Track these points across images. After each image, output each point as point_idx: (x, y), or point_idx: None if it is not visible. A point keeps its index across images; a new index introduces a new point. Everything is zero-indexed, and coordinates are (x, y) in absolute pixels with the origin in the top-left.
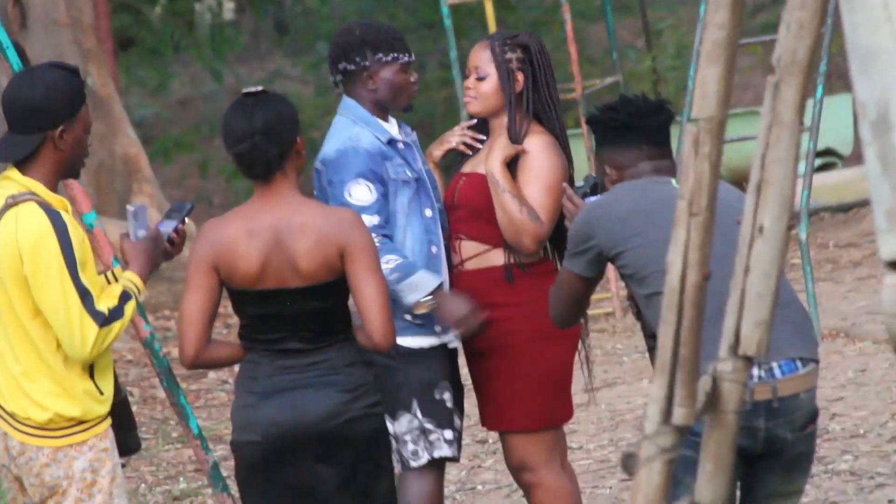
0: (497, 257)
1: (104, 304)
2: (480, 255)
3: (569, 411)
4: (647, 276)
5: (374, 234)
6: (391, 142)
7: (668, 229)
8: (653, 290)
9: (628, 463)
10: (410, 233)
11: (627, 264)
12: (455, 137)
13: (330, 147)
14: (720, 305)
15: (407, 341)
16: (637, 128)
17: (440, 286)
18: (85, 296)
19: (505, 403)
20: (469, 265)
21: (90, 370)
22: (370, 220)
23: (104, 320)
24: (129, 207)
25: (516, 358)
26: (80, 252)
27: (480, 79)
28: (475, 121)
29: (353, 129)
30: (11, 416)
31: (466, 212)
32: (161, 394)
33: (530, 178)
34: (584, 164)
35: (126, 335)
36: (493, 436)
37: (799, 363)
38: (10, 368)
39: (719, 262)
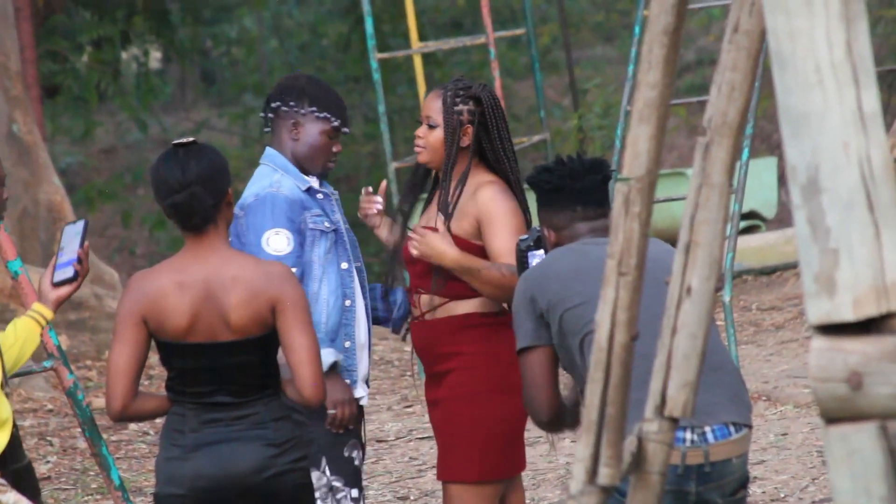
0: (456, 308)
1: None
2: (439, 307)
3: (518, 464)
4: (584, 339)
5: None
6: (310, 190)
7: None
8: (588, 354)
9: None
10: (326, 284)
11: (566, 323)
12: (361, 209)
13: (249, 192)
14: (648, 366)
15: None
16: (571, 189)
17: (335, 364)
18: None
19: (445, 453)
20: (428, 316)
21: None
22: None
23: None
24: (68, 225)
25: (464, 409)
26: None
27: (431, 127)
28: (370, 188)
29: (273, 176)
30: None
31: (423, 267)
32: (81, 444)
33: (494, 228)
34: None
35: (47, 384)
36: (415, 492)
37: (732, 428)
38: None
39: (650, 321)
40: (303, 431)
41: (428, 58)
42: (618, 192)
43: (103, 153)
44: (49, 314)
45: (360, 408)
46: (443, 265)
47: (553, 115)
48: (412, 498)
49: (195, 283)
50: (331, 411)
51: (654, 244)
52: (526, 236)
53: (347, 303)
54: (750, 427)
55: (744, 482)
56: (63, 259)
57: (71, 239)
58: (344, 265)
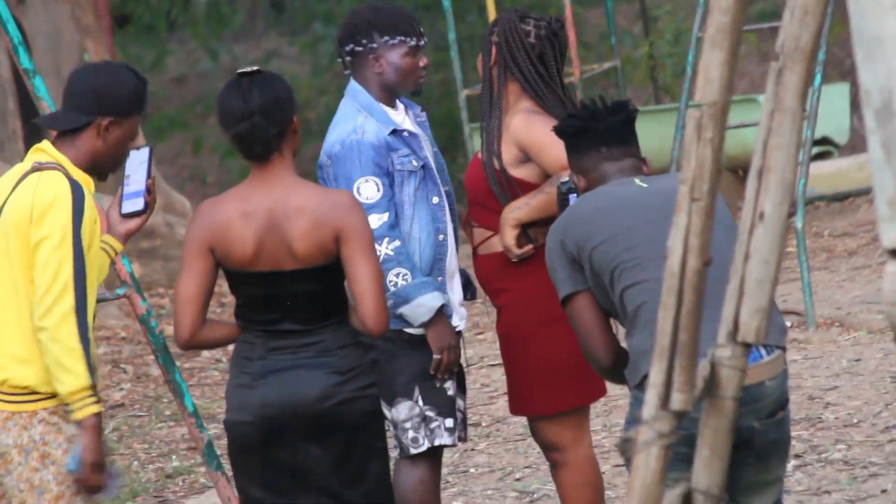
0: (497, 244)
1: (93, 348)
2: (487, 241)
3: (595, 389)
4: (619, 271)
5: (387, 240)
6: (395, 131)
7: (630, 226)
8: (625, 284)
9: (626, 448)
10: (417, 223)
11: (595, 262)
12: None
13: (334, 139)
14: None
15: (410, 329)
16: (594, 131)
17: (441, 307)
18: (80, 287)
19: (522, 390)
20: (480, 250)
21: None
22: (380, 218)
23: (83, 334)
24: (134, 151)
25: (525, 345)
26: (88, 231)
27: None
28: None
29: (357, 119)
30: (57, 362)
31: (470, 198)
32: (155, 371)
33: (541, 145)
34: None
35: (120, 312)
36: (487, 418)
37: (763, 350)
38: None
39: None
40: (384, 362)
41: None
42: (690, 118)
43: (174, 82)
44: (119, 246)
45: (458, 334)
46: (504, 237)
47: (623, 42)
48: (484, 424)
49: (260, 212)
50: (436, 356)
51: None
52: (567, 179)
53: (441, 237)
54: (783, 349)
55: (781, 404)
56: (130, 189)
57: (137, 167)
58: (435, 199)
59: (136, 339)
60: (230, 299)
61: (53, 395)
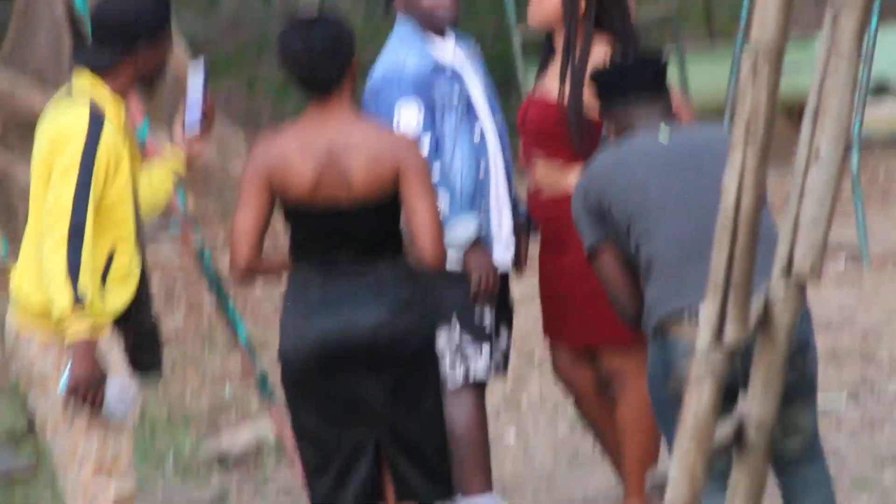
0: (568, 179)
1: (87, 274)
2: (553, 178)
3: None
4: (633, 222)
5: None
6: (438, 65)
7: (645, 178)
8: (638, 235)
9: (678, 384)
10: (458, 157)
11: (614, 214)
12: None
13: (380, 69)
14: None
15: (452, 263)
16: (624, 81)
17: (477, 233)
18: (78, 215)
19: (593, 318)
20: (544, 189)
21: (103, 278)
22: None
23: (72, 262)
24: (192, 62)
25: (591, 279)
26: (106, 164)
27: None
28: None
29: (399, 53)
30: (16, 298)
31: (534, 134)
32: (208, 303)
33: None
34: None
35: (175, 245)
36: (540, 350)
37: None
38: (35, 251)
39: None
40: (426, 292)
41: None
42: (745, 60)
43: (228, 24)
44: (181, 169)
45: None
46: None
47: None
48: (536, 356)
49: (318, 147)
50: (474, 280)
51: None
52: None
53: (482, 172)
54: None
55: (801, 346)
56: (190, 111)
57: (195, 84)
58: (476, 134)
59: (189, 272)
60: (283, 237)
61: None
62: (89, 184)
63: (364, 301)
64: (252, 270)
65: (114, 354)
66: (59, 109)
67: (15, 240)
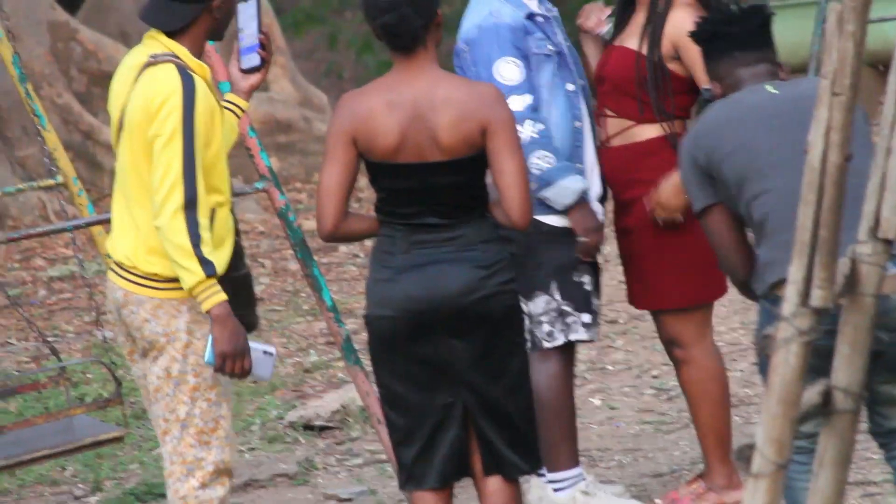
0: (641, 133)
1: (208, 243)
2: (625, 132)
3: (721, 287)
4: (745, 181)
5: (530, 122)
6: (530, 16)
7: (755, 134)
8: (751, 194)
9: (764, 346)
10: (555, 108)
11: (724, 173)
12: (584, 18)
13: (470, 24)
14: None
15: (550, 219)
16: (728, 35)
17: (583, 191)
18: (189, 184)
19: (654, 281)
20: (614, 142)
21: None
22: (522, 99)
23: (192, 230)
24: (241, 3)
25: (663, 235)
26: (204, 123)
27: None
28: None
29: (492, 4)
30: (119, 264)
31: (611, 86)
32: (292, 266)
33: (691, 50)
34: None
35: (258, 206)
36: (624, 315)
37: (890, 264)
38: (131, 218)
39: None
40: (526, 252)
41: None
42: (831, 11)
43: None
44: (244, 104)
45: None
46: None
47: None
48: (621, 322)
49: (404, 103)
50: (581, 239)
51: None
52: (708, 87)
53: (577, 124)
54: None
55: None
56: (245, 44)
57: (247, 21)
58: (570, 87)
59: (274, 234)
60: (367, 194)
61: (151, 276)
62: (194, 149)
63: (450, 263)
64: (339, 231)
65: None
66: (144, 74)
67: (100, 199)
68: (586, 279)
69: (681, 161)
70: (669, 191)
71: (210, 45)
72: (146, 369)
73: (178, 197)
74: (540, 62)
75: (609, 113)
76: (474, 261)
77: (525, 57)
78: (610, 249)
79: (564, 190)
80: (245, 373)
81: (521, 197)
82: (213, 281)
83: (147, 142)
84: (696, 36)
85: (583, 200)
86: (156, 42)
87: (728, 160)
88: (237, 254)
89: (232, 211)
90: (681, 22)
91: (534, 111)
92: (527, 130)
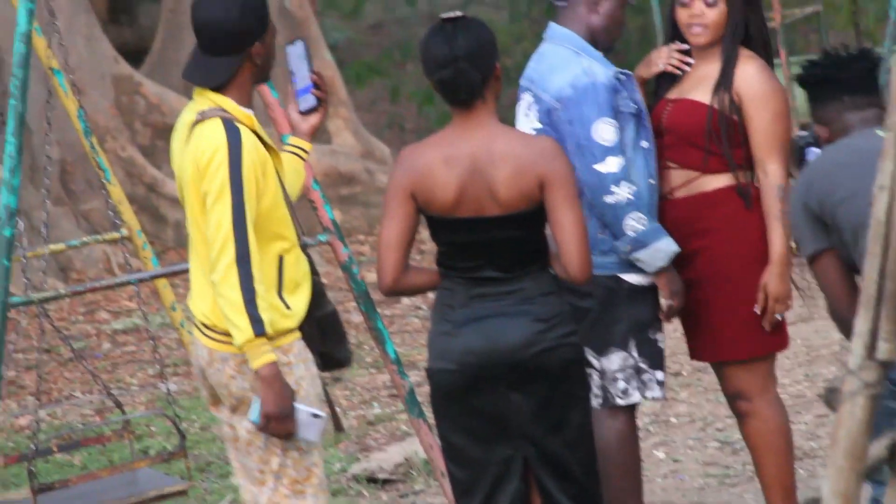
0: (708, 183)
1: (263, 300)
2: (691, 183)
3: (784, 339)
4: (861, 229)
5: (626, 183)
6: (617, 73)
7: (870, 180)
8: (860, 250)
9: (831, 398)
10: (635, 167)
11: (837, 219)
12: (663, 60)
13: (563, 82)
14: None
15: (630, 277)
16: (837, 79)
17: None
18: (241, 240)
19: (718, 333)
20: (679, 193)
21: (278, 283)
22: (617, 161)
23: (245, 285)
24: (289, 46)
25: (727, 286)
26: (254, 175)
27: (710, 5)
28: (685, 45)
29: (581, 62)
30: (202, 323)
31: (674, 138)
32: (355, 318)
33: (755, 106)
34: None
35: (321, 258)
36: (688, 369)
37: None
38: (203, 276)
39: None
40: (599, 311)
41: None
42: (894, 63)
43: (372, 28)
44: (307, 145)
45: None
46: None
47: None
48: (684, 374)
49: (463, 157)
50: (666, 301)
51: None
52: (805, 133)
53: (651, 182)
54: None
55: None
56: (299, 86)
57: (298, 63)
58: (645, 144)
59: (337, 286)
60: (429, 247)
61: (288, 334)
62: (243, 203)
63: (509, 317)
64: (399, 285)
65: (302, 368)
66: (194, 131)
67: (164, 252)
68: (660, 337)
69: (792, 205)
70: (776, 282)
71: (274, 99)
72: (235, 422)
73: (230, 252)
74: (626, 121)
75: (672, 165)
76: (533, 314)
77: (616, 117)
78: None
79: (658, 252)
80: (289, 435)
81: (579, 251)
82: (263, 340)
83: (201, 199)
84: (804, 80)
85: (669, 264)
86: (203, 97)
87: (842, 207)
88: (319, 292)
89: (305, 251)
90: (746, 74)
91: (627, 171)
92: (623, 192)
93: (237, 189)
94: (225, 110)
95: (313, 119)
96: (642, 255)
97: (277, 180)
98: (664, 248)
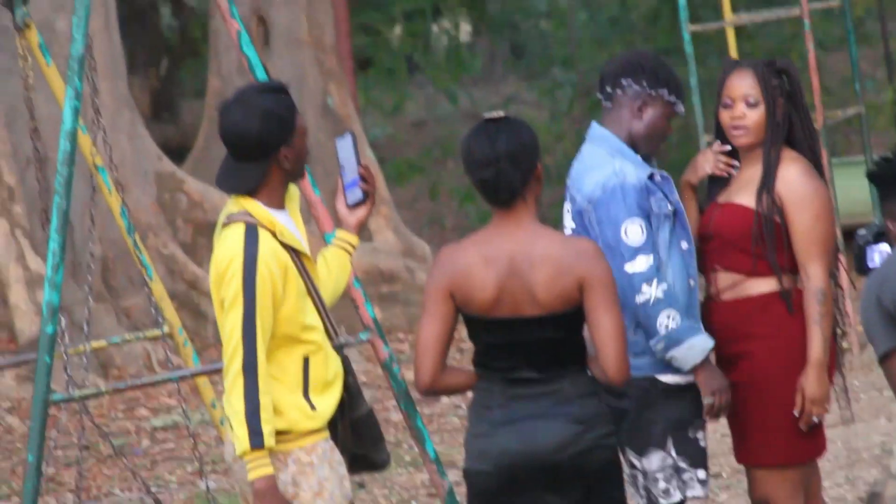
0: (752, 287)
1: (266, 411)
2: (736, 286)
3: (820, 446)
4: None
5: (655, 281)
6: (651, 175)
7: None
8: None
9: (873, 502)
10: (671, 267)
11: None
12: (709, 164)
13: (594, 183)
14: None
15: (667, 378)
16: None
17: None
18: (249, 351)
19: (751, 437)
20: (725, 296)
21: (304, 384)
22: (647, 260)
23: (249, 395)
24: (338, 139)
25: (767, 391)
26: (271, 283)
27: (751, 105)
28: (727, 146)
29: (614, 163)
30: (229, 420)
31: (721, 242)
32: (394, 416)
33: (796, 208)
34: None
35: (361, 357)
36: (727, 470)
37: None
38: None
39: None
40: (636, 411)
41: (738, 30)
42: None
43: (413, 126)
44: (354, 240)
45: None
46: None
47: (867, 87)
48: (724, 476)
49: (501, 258)
50: (707, 400)
51: None
52: (864, 231)
53: (691, 283)
54: None
55: None
56: (347, 179)
57: (347, 156)
58: (684, 245)
59: (376, 384)
60: (468, 345)
61: (312, 434)
62: (255, 313)
63: (546, 418)
64: (437, 385)
65: (326, 469)
66: (220, 235)
67: (204, 349)
68: (701, 435)
69: (863, 304)
70: (814, 385)
71: (317, 197)
72: None
73: (238, 361)
74: (660, 221)
75: (719, 268)
76: (571, 415)
77: (647, 217)
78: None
79: (692, 349)
80: None
81: (617, 353)
82: (261, 453)
83: (221, 304)
84: (875, 176)
85: (707, 360)
86: (235, 200)
87: None
88: (354, 393)
89: (341, 351)
90: (788, 176)
91: (658, 270)
92: (653, 291)
93: (250, 298)
94: (251, 214)
95: (360, 213)
96: (677, 353)
97: (304, 284)
98: (699, 344)
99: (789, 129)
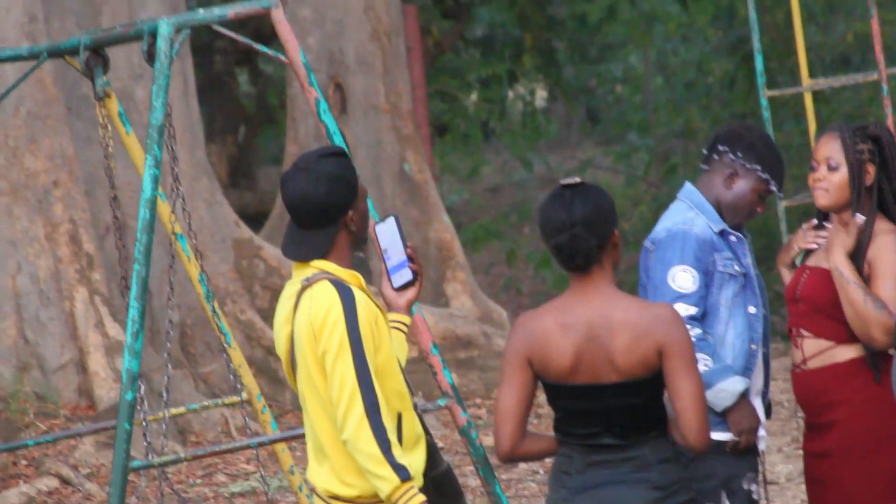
0: (840, 354)
1: (398, 446)
2: (823, 353)
3: None
4: None
5: (688, 327)
6: (723, 233)
7: None
8: None
9: None
10: (733, 328)
11: None
12: (800, 242)
13: (662, 226)
14: None
15: (717, 435)
16: None
17: (745, 391)
18: (368, 392)
19: None
20: (811, 363)
21: (398, 440)
22: (687, 309)
23: (379, 435)
24: (379, 224)
25: (859, 461)
26: (370, 329)
27: (832, 168)
28: (815, 221)
29: (687, 214)
30: (328, 495)
31: (808, 307)
32: (472, 482)
33: (881, 274)
34: None
35: (438, 422)
36: None
37: None
38: (318, 445)
39: None
40: (689, 474)
41: (815, 95)
42: None
43: (489, 191)
44: (407, 319)
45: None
46: (830, 256)
47: None
48: None
49: (579, 324)
50: (734, 437)
51: None
52: None
53: (753, 347)
54: None
55: None
56: (393, 262)
57: (391, 240)
58: (752, 309)
59: (454, 450)
60: (546, 410)
61: (355, 499)
62: (364, 356)
63: (626, 484)
64: (516, 453)
65: None
66: (303, 298)
67: (282, 415)
68: (754, 487)
69: None
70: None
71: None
72: None
73: (359, 405)
74: (724, 280)
75: (806, 334)
76: (651, 482)
77: (707, 271)
78: (792, 468)
79: (723, 392)
80: None
81: (698, 418)
82: (410, 485)
83: (318, 361)
84: None
85: (743, 399)
86: (305, 267)
87: None
88: (433, 450)
89: (416, 412)
90: (878, 245)
91: (692, 319)
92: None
93: (357, 343)
94: (329, 272)
95: (410, 294)
96: (708, 395)
97: (391, 342)
98: (729, 387)
99: (880, 196)
